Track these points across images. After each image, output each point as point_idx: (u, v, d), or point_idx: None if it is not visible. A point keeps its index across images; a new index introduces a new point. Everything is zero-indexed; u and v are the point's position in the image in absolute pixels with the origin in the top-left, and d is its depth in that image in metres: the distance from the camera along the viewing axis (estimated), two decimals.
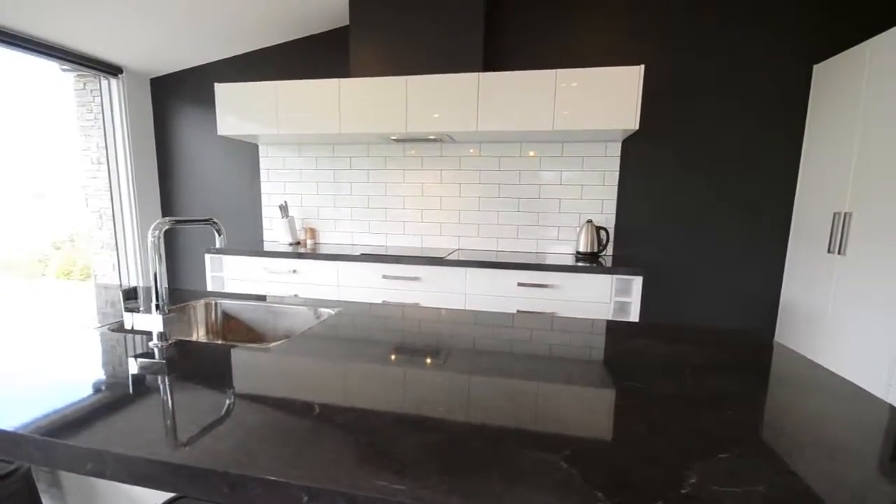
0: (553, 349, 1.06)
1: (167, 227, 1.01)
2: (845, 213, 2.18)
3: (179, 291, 1.57)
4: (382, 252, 2.79)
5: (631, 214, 2.82)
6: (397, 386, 0.81)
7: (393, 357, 0.98)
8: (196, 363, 0.94)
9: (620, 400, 0.77)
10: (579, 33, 2.74)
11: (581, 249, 2.74)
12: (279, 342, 1.05)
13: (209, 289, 2.91)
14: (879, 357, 1.96)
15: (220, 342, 1.39)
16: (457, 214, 3.04)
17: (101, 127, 3.35)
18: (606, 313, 2.39)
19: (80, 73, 3.18)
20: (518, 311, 2.47)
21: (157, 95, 3.47)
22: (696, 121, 2.68)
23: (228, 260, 2.86)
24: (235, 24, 2.88)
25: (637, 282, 2.35)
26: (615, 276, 2.36)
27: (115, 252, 3.53)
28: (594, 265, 2.44)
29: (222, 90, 2.83)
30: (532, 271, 2.44)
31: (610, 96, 2.35)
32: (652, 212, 2.81)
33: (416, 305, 2.55)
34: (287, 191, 3.30)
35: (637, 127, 2.34)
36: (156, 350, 0.99)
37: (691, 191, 2.75)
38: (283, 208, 3.16)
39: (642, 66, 2.30)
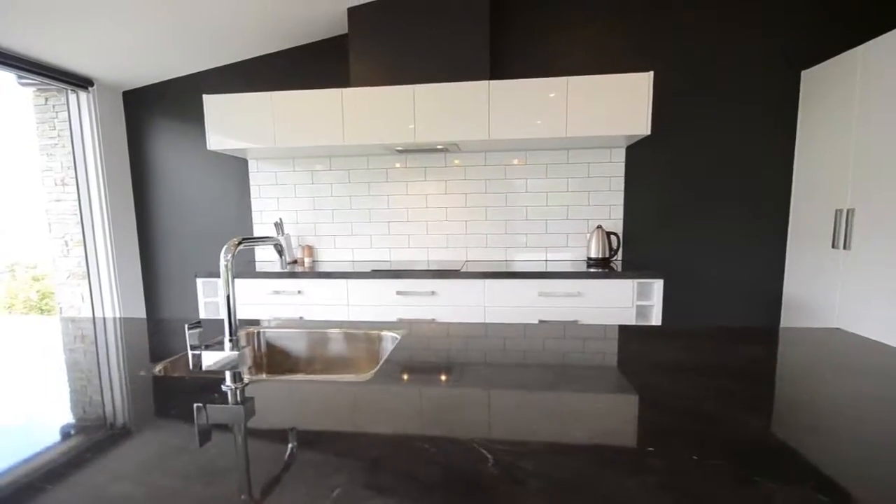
0: (703, 363, 1.00)
1: (240, 247, 0.88)
2: (847, 210, 2.28)
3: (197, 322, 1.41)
4: (387, 267, 2.66)
5: (637, 218, 2.86)
6: (571, 416, 0.72)
7: (543, 380, 0.88)
8: (290, 406, 0.81)
9: (796, 412, 0.71)
10: (581, 39, 2.77)
11: (592, 255, 2.73)
12: (370, 373, 0.93)
13: (202, 316, 2.68)
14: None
15: (284, 377, 1.24)
16: (463, 225, 2.97)
17: (67, 145, 3.07)
18: (629, 318, 2.38)
19: (42, 86, 2.90)
20: (540, 321, 2.43)
21: (131, 110, 3.22)
22: (695, 125, 2.75)
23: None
24: (223, 34, 2.71)
25: (658, 285, 2.36)
26: (636, 281, 2.36)
27: (85, 281, 3.21)
28: (607, 270, 2.43)
29: (212, 102, 2.65)
30: (552, 280, 2.40)
31: (621, 102, 2.37)
32: (657, 215, 2.85)
33: (433, 321, 2.45)
34: (281, 207, 3.12)
35: (649, 132, 2.37)
36: (229, 393, 0.85)
37: (694, 193, 2.81)
38: (279, 226, 2.99)
39: (651, 73, 2.34)
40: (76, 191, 3.06)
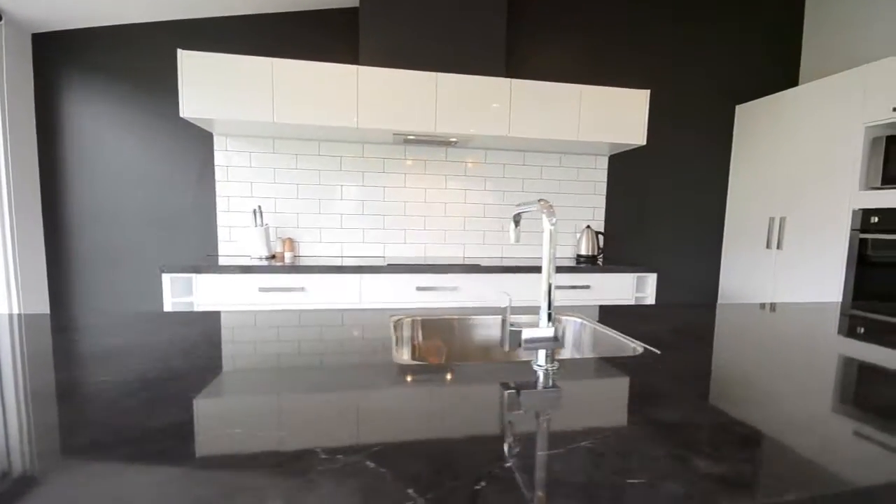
0: None
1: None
2: (780, 217, 2.87)
3: (325, 313, 1.18)
4: (381, 263, 2.49)
5: (615, 220, 3.17)
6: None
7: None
8: (608, 389, 0.75)
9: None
10: (582, 49, 2.99)
11: (582, 252, 2.95)
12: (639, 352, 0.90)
13: None
14: None
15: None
16: (462, 221, 2.95)
17: None
18: None
19: None
20: None
21: (41, 58, 2.49)
22: (659, 143, 3.17)
23: (201, 280, 2.20)
24: None
25: (652, 278, 2.66)
26: (636, 275, 2.62)
27: None
28: (609, 265, 2.65)
29: (191, 60, 2.20)
30: (566, 273, 2.53)
31: (623, 114, 2.62)
32: (630, 218, 3.20)
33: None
34: (255, 193, 2.71)
35: (644, 142, 2.66)
36: (541, 374, 0.75)
37: (655, 201, 3.23)
38: (258, 214, 2.59)
39: (648, 91, 2.64)
40: None
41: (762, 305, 1.49)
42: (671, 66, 3.13)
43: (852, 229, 2.43)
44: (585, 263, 2.74)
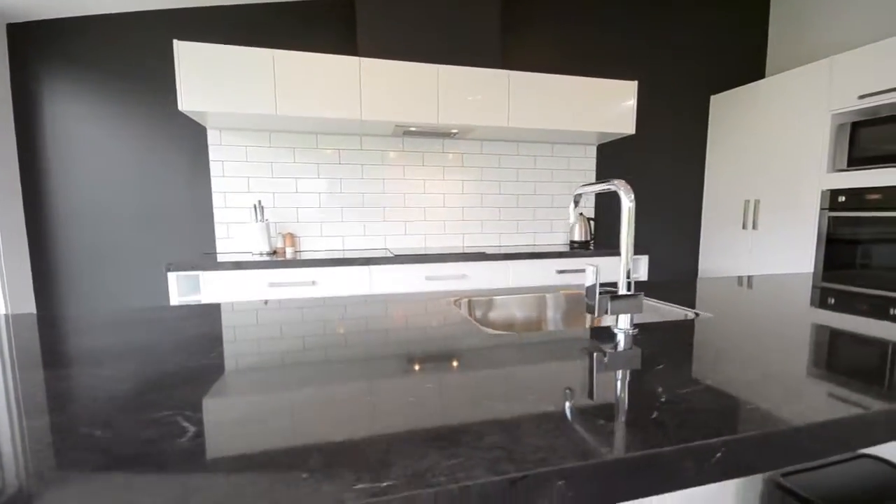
0: None
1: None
2: (755, 200, 3.09)
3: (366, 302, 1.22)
4: (386, 255, 2.51)
5: (604, 207, 3.31)
6: None
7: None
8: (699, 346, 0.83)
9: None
10: (571, 40, 3.09)
11: (575, 238, 3.08)
12: (688, 315, 0.99)
13: None
14: None
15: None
16: (460, 212, 3.00)
17: None
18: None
19: None
20: None
21: (18, 50, 2.35)
22: (642, 132, 3.33)
23: (208, 278, 2.16)
24: None
25: (644, 260, 2.81)
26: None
27: None
28: (588, 250, 2.78)
29: (188, 51, 2.14)
30: (565, 259, 2.64)
31: (613, 104, 2.75)
32: (616, 205, 3.35)
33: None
34: (252, 188, 2.67)
35: (634, 131, 2.80)
36: (623, 335, 0.83)
37: (638, 187, 3.40)
38: (258, 209, 2.55)
39: (636, 82, 2.78)
40: None
41: (739, 281, 1.60)
42: (651, 58, 3.29)
43: (821, 208, 2.65)
44: (579, 249, 2.87)
